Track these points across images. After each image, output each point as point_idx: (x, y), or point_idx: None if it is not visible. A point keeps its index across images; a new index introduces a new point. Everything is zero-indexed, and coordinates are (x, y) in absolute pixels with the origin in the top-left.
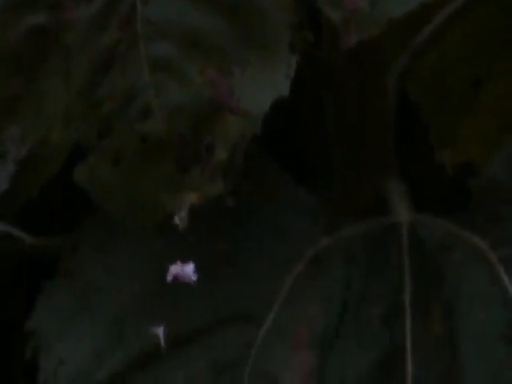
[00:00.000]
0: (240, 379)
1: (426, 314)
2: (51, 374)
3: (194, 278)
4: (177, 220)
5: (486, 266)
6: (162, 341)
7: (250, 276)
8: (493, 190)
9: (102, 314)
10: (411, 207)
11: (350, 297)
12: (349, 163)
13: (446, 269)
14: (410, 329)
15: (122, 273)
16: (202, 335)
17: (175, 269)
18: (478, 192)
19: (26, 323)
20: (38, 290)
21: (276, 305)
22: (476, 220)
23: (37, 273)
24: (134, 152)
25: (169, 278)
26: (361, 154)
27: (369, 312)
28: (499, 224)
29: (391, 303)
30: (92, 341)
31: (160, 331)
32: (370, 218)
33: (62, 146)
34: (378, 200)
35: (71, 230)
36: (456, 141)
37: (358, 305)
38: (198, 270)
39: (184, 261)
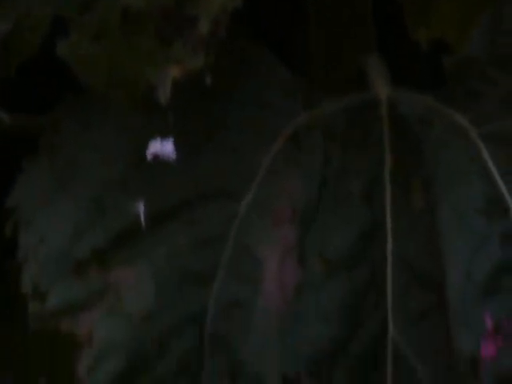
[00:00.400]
0: (220, 254)
1: (406, 190)
2: (31, 250)
3: (173, 155)
4: (159, 95)
5: (466, 142)
6: (143, 217)
7: (230, 152)
8: (468, 66)
9: (83, 192)
10: (391, 83)
11: (329, 173)
12: (329, 39)
13: (425, 144)
14: (390, 204)
15: (103, 150)
16: (183, 211)
17: (155, 146)
18: (453, 68)
19: (6, 200)
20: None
21: (256, 181)
22: (455, 96)
23: (19, 153)
24: (115, 25)
25: (148, 155)
26: (341, 30)
27: (349, 188)
28: (478, 100)
29: (371, 179)
30: (72, 218)
31: (140, 207)
32: (350, 94)
33: (41, 21)
34: (357, 76)
35: (53, 109)
36: (430, 20)
37: (338, 181)
38: (178, 146)
39: (163, 138)
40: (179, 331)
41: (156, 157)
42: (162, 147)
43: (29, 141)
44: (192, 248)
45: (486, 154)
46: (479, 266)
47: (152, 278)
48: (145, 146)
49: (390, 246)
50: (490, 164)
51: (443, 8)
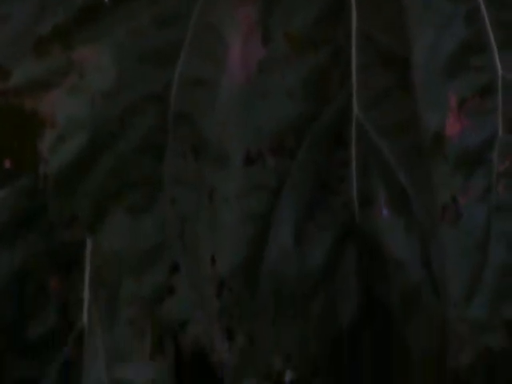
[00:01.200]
0: (184, 33)
1: None
2: None
3: None
4: None
5: None
6: None
7: None
8: None
9: None
10: None
11: None
12: None
13: None
14: None
15: None
16: None
17: None
18: None
19: None
20: None
21: None
22: None
23: None
24: None
25: None
26: None
27: None
28: None
29: None
30: None
31: None
32: None
33: None
34: None
35: None
36: None
37: None
38: None
39: None
40: (142, 109)
41: None
42: None
43: None
44: (155, 26)
45: None
46: (444, 44)
47: (115, 56)
48: None
49: (354, 24)
50: None
51: None
